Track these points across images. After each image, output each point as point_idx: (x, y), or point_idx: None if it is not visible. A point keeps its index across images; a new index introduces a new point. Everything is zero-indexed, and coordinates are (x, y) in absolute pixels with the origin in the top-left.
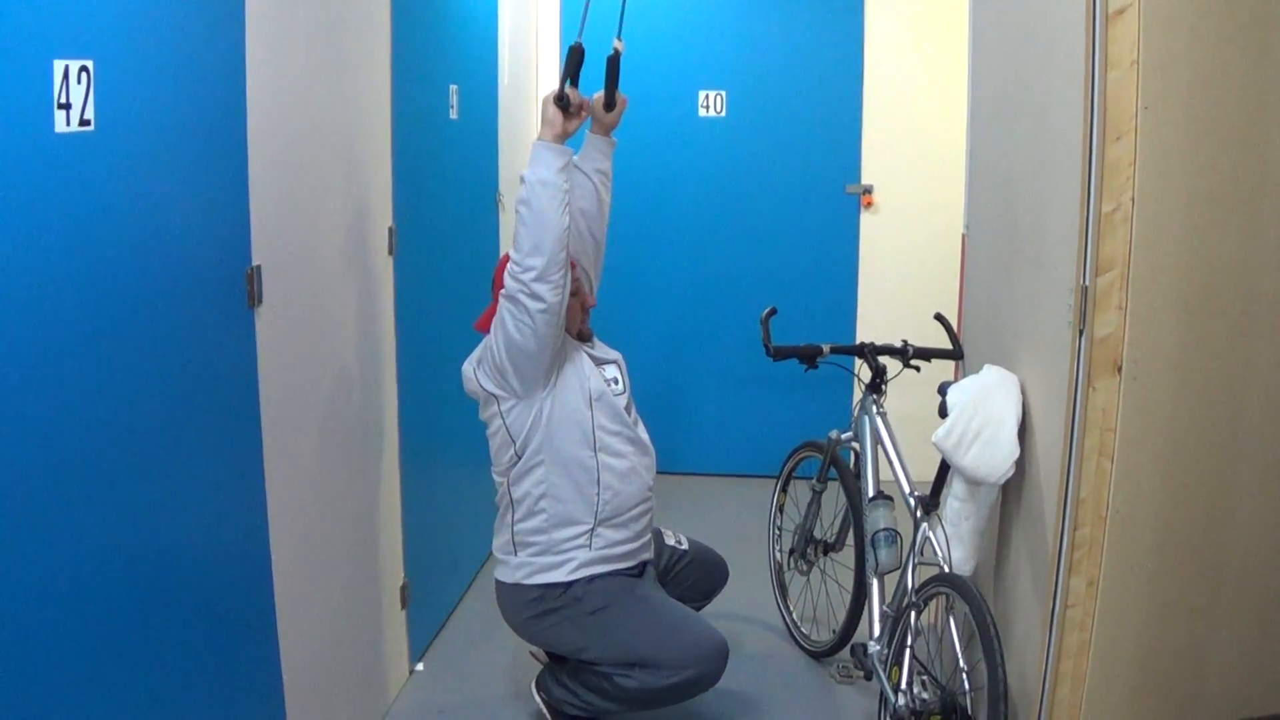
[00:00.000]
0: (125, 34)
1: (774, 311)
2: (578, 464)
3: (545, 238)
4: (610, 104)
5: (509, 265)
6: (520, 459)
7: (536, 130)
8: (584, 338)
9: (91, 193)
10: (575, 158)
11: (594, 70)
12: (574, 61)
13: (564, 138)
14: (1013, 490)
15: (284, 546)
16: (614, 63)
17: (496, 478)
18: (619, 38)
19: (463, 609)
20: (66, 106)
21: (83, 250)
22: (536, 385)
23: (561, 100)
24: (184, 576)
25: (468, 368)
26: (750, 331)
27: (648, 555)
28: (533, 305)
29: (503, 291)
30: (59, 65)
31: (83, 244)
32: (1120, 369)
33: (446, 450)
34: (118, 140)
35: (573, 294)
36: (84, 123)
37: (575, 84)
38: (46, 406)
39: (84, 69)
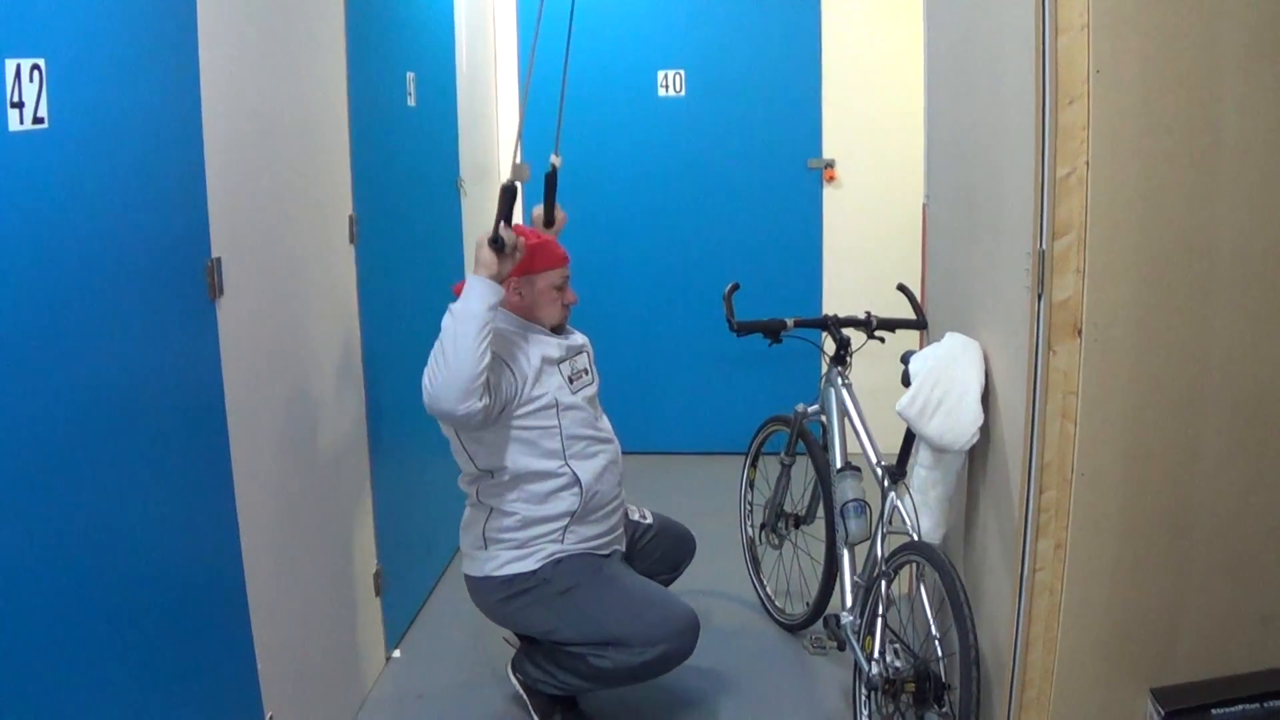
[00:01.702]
0: (76, 31)
1: (736, 287)
2: (548, 475)
3: (459, 376)
4: (550, 220)
5: (424, 377)
6: (490, 477)
7: (496, 115)
8: (559, 330)
9: (47, 190)
10: None
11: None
12: (506, 201)
13: (500, 278)
14: (978, 457)
15: (254, 538)
16: (551, 179)
17: (464, 487)
18: (556, 153)
19: (438, 594)
20: (19, 105)
21: (40, 248)
22: (485, 430)
23: (496, 241)
24: (153, 571)
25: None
26: (716, 308)
27: (619, 547)
28: (446, 418)
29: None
30: (10, 64)
31: (39, 242)
32: (1080, 332)
33: (416, 436)
34: (72, 137)
35: (558, 288)
36: (37, 120)
37: (509, 224)
38: (4, 405)
39: (36, 67)
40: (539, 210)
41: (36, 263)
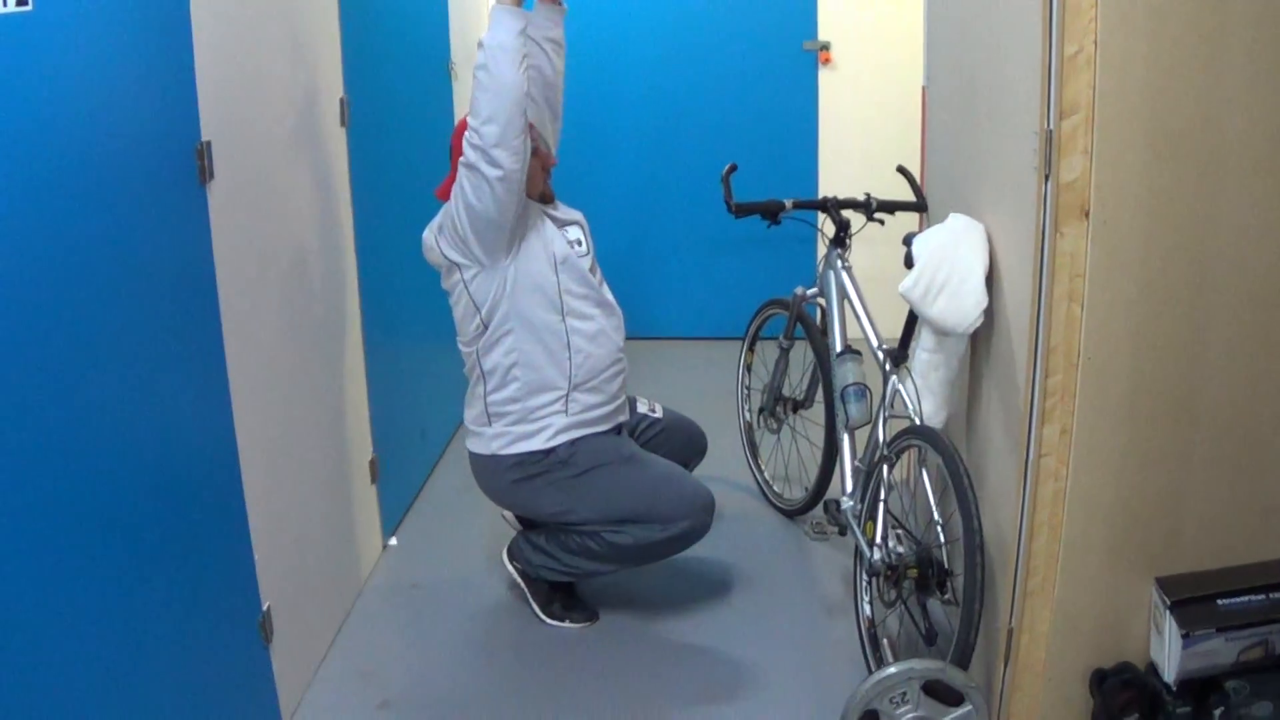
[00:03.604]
0: None
1: (734, 167)
2: (546, 329)
3: (503, 103)
4: None
5: (467, 133)
6: (487, 329)
7: None
8: (546, 199)
9: (31, 75)
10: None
11: None
12: None
13: (521, 1)
14: (982, 340)
15: (249, 428)
16: None
17: (464, 349)
18: None
19: (433, 482)
20: None
21: (24, 135)
22: (499, 252)
23: None
24: (148, 463)
25: (428, 235)
26: (712, 193)
27: (623, 418)
28: (491, 172)
29: (461, 159)
30: None
31: (23, 128)
32: (1088, 214)
33: (410, 321)
34: (56, 19)
35: (532, 153)
36: (21, 2)
37: None
38: None
39: None
40: None
41: (21, 149)
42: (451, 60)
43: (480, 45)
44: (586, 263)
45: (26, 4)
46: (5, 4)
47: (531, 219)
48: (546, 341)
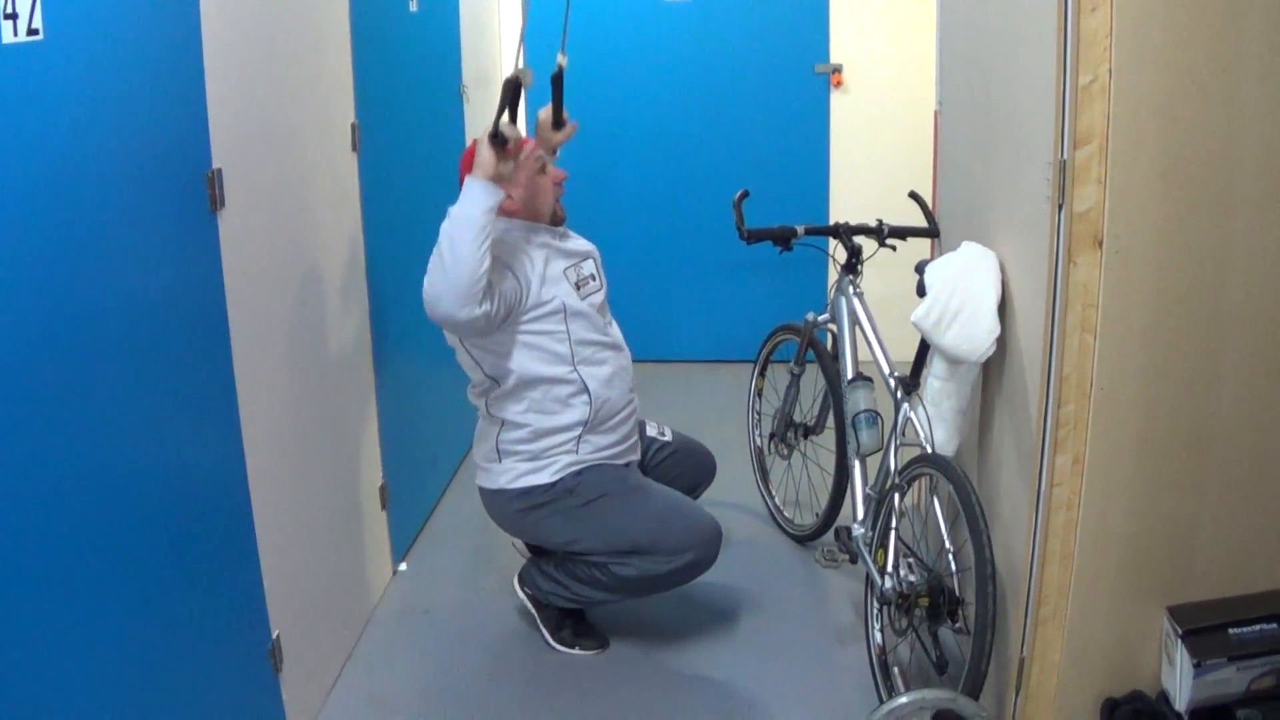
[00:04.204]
0: None
1: (746, 194)
2: (558, 381)
3: (459, 280)
4: (558, 122)
5: (423, 287)
6: (498, 385)
7: (498, 19)
8: (557, 220)
9: (43, 103)
10: None
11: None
12: (509, 95)
13: (498, 178)
14: (994, 368)
15: (259, 455)
16: (558, 80)
17: (474, 400)
18: (563, 52)
19: (443, 507)
20: (13, 16)
21: (36, 163)
22: (494, 332)
23: (496, 136)
24: (158, 491)
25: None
26: (723, 216)
27: (634, 457)
28: (448, 336)
29: None
30: None
31: (36, 157)
32: (1101, 243)
33: (420, 347)
34: (68, 48)
35: (540, 171)
36: (32, 32)
37: (513, 119)
38: (5, 320)
39: None
40: (545, 113)
41: (34, 178)
42: (463, 83)
43: (448, 214)
44: (599, 298)
45: (38, 33)
46: (17, 33)
47: (540, 270)
48: (559, 392)
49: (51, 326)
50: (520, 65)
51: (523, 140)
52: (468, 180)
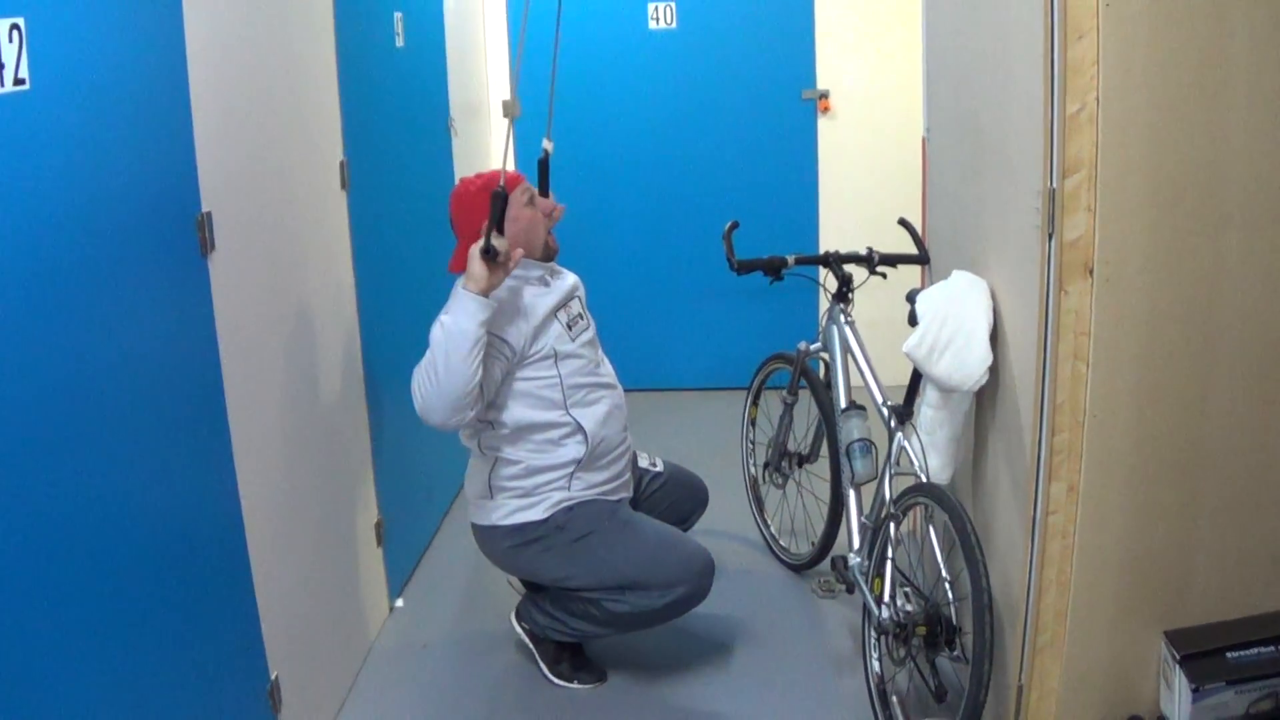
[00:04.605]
0: None
1: (735, 225)
2: (550, 425)
3: (451, 392)
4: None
5: (412, 390)
6: (490, 428)
7: (485, 53)
8: (550, 255)
9: (31, 153)
10: None
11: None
12: (498, 208)
13: (491, 290)
14: (987, 397)
15: (254, 497)
16: (544, 165)
17: (465, 440)
18: (548, 138)
19: (439, 542)
20: None
21: (24, 212)
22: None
23: (488, 251)
24: (153, 536)
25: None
26: (713, 243)
27: (626, 494)
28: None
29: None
30: None
31: (24, 206)
32: (1092, 271)
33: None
34: (54, 97)
35: (529, 203)
36: (19, 82)
37: (501, 231)
38: (2, 373)
39: (15, 27)
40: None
41: (22, 226)
42: (451, 117)
43: (440, 324)
44: (589, 335)
45: (24, 83)
46: (3, 84)
47: (526, 323)
48: (552, 435)
49: (46, 377)
50: (510, 97)
51: (513, 251)
52: (460, 294)
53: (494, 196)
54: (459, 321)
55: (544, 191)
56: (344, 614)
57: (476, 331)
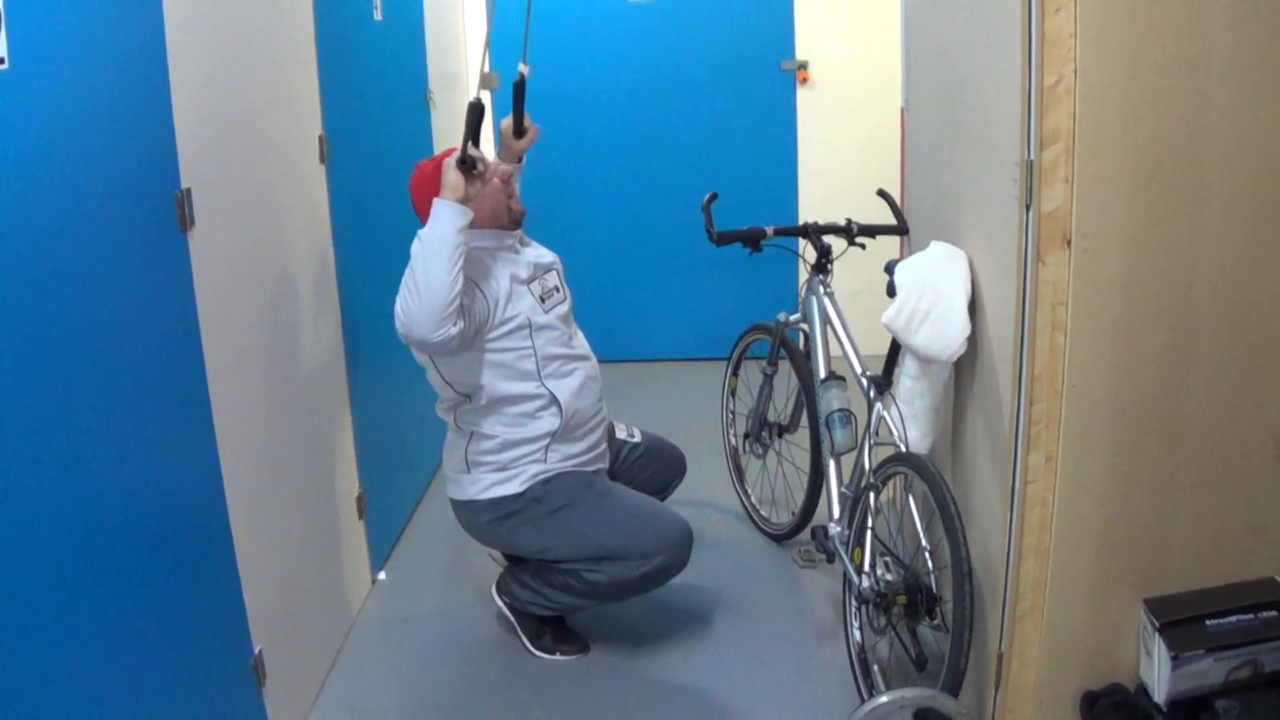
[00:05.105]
0: None
1: (715, 196)
2: (526, 397)
3: (433, 303)
4: (519, 130)
5: (395, 311)
6: (467, 401)
7: (463, 26)
8: (516, 222)
9: (10, 131)
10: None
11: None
12: (474, 119)
13: (468, 200)
14: (966, 367)
15: (236, 471)
16: (520, 89)
17: (442, 414)
18: (524, 62)
19: (420, 514)
20: None
21: (3, 189)
22: (460, 350)
23: (464, 163)
24: (135, 511)
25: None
26: (692, 214)
27: (603, 465)
28: (418, 355)
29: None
30: None
31: (3, 183)
32: (1070, 242)
33: (393, 356)
34: (33, 75)
35: (481, 179)
36: None
37: (477, 143)
38: None
39: None
40: (508, 122)
41: (2, 205)
42: (429, 89)
43: (419, 237)
44: (564, 309)
45: (2, 61)
46: None
47: (504, 288)
48: (528, 407)
49: (25, 353)
50: (486, 70)
51: (489, 162)
52: (436, 202)
53: (470, 108)
54: (435, 230)
55: (519, 115)
56: (327, 587)
57: (455, 238)
